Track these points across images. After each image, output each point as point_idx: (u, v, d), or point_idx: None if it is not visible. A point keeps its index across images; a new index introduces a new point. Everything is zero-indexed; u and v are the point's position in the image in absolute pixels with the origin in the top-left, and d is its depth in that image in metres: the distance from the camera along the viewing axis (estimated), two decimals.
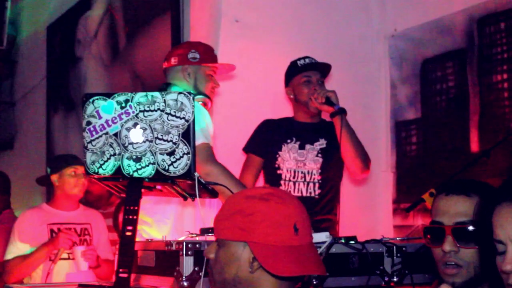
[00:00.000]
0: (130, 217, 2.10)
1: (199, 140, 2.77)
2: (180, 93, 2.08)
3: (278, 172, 3.54)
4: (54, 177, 4.05)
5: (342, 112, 3.41)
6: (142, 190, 2.26)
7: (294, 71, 3.60)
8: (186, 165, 2.07)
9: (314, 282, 2.22)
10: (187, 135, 2.08)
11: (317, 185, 3.53)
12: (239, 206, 1.78)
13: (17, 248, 3.90)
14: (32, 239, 3.90)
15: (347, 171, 3.64)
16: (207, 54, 3.31)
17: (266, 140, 3.60)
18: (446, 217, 1.91)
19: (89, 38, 5.77)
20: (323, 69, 3.61)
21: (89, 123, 2.14)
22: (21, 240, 3.91)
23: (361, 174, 3.55)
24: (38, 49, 6.75)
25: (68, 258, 3.91)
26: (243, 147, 3.66)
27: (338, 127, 3.43)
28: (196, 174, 2.08)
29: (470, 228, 1.87)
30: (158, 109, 2.09)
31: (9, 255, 3.91)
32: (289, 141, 3.56)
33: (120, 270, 2.07)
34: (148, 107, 2.10)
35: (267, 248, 1.75)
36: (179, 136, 2.08)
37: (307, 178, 3.53)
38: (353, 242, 2.50)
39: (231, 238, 1.78)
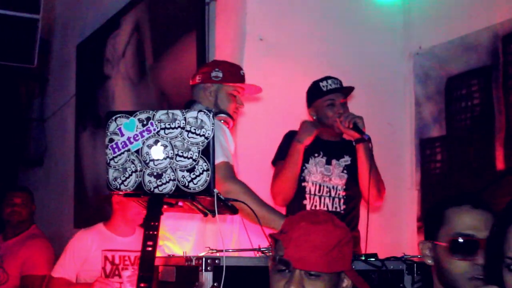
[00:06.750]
0: (151, 232, 2.13)
1: (219, 159, 2.79)
2: (200, 111, 2.11)
3: (303, 184, 3.53)
4: (116, 199, 3.84)
5: (369, 140, 3.39)
6: (164, 206, 2.30)
7: (317, 93, 3.57)
8: (206, 181, 2.10)
9: None
10: (207, 152, 2.11)
11: (342, 200, 3.53)
12: (332, 240, 1.90)
13: (64, 268, 3.86)
14: (84, 261, 3.84)
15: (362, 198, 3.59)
16: (231, 73, 3.28)
17: None
18: (478, 231, 1.94)
19: (117, 57, 5.85)
20: (346, 92, 3.62)
21: (111, 140, 2.18)
22: (69, 262, 3.86)
23: (375, 202, 3.52)
24: (68, 67, 6.85)
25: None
26: (272, 160, 3.61)
27: (361, 154, 3.42)
28: (215, 190, 2.11)
29: None
30: (179, 126, 2.12)
31: (55, 273, 3.86)
32: (316, 155, 3.56)
33: (141, 285, 2.09)
34: (169, 124, 2.13)
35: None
36: (199, 153, 2.11)
37: (332, 193, 3.54)
38: (373, 259, 2.51)
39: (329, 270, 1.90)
